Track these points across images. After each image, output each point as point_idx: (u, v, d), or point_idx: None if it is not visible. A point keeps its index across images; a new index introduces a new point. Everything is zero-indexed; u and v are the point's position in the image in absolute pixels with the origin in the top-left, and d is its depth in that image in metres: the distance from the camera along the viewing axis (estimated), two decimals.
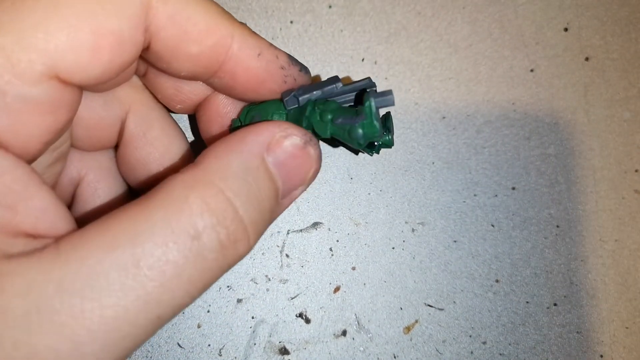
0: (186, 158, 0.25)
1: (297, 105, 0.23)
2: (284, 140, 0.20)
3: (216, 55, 0.20)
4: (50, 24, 0.16)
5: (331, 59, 0.31)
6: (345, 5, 0.31)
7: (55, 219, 0.18)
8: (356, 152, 0.31)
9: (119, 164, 0.26)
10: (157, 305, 0.16)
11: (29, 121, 0.17)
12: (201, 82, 0.23)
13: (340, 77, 0.31)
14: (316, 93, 0.22)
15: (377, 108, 0.21)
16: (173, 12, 0.19)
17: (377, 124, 0.21)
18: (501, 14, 0.32)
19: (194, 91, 0.24)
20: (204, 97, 0.25)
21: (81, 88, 0.19)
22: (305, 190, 0.22)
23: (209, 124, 0.25)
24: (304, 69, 0.23)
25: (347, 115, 0.22)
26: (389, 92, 0.22)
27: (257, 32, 0.27)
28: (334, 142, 0.29)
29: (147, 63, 0.23)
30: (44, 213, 0.17)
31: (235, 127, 0.24)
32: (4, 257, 0.16)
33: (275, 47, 0.22)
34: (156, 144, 0.24)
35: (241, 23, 0.21)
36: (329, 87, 0.23)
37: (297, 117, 0.23)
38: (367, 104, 0.21)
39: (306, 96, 0.22)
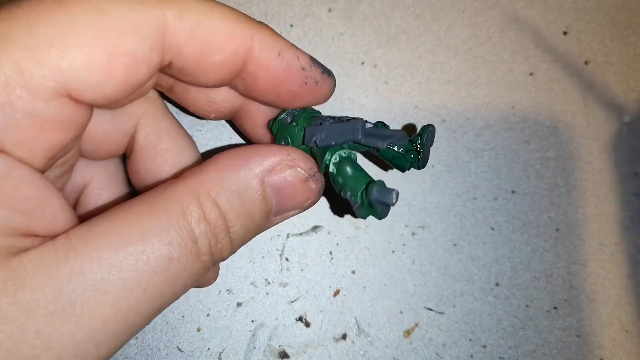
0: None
1: (315, 146, 0.23)
2: (286, 168, 0.21)
3: (239, 59, 0.21)
4: (64, 41, 0.17)
5: (331, 63, 0.31)
6: (345, 9, 0.31)
7: (66, 224, 0.19)
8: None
9: (129, 174, 0.26)
10: (160, 298, 0.18)
11: (37, 137, 0.17)
12: (232, 91, 0.24)
13: (340, 80, 0.31)
14: (336, 142, 0.22)
15: (375, 200, 0.21)
16: (192, 27, 0.19)
17: (375, 210, 0.21)
18: (500, 17, 0.32)
19: (226, 99, 0.24)
20: (239, 105, 0.25)
21: (92, 106, 0.19)
22: (300, 213, 0.24)
23: (252, 129, 0.26)
24: (326, 71, 0.23)
25: (354, 189, 0.21)
26: (390, 191, 0.20)
27: None
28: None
29: (171, 77, 0.23)
30: (56, 219, 0.18)
31: (270, 128, 0.24)
32: (19, 251, 0.17)
33: (297, 49, 0.22)
34: (166, 156, 0.24)
35: (260, 23, 0.21)
36: (348, 138, 0.22)
37: (321, 155, 0.23)
38: (370, 195, 0.21)
39: (325, 143, 0.23)
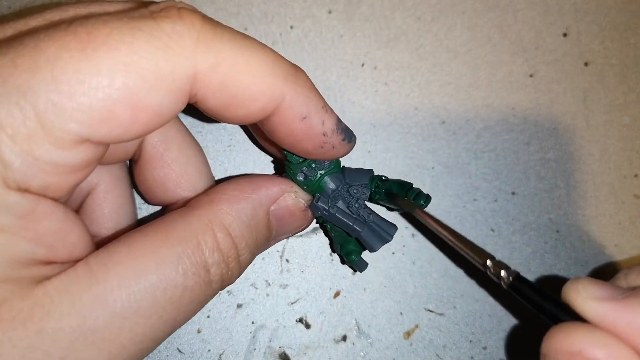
0: (204, 176, 0.26)
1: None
2: (289, 199, 0.24)
3: (264, 114, 0.21)
4: (88, 95, 0.16)
5: (331, 64, 0.31)
6: (345, 10, 0.32)
7: (85, 249, 0.19)
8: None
9: (135, 179, 0.26)
10: (172, 325, 0.19)
11: (61, 179, 0.18)
12: None
13: (340, 81, 0.31)
14: (339, 223, 0.25)
15: (351, 265, 0.27)
16: (223, 80, 0.19)
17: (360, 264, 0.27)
18: (500, 19, 0.32)
19: None
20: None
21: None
22: (289, 237, 0.27)
23: (265, 142, 0.28)
24: (348, 137, 0.23)
25: (337, 242, 0.27)
26: (363, 266, 0.27)
27: (257, 38, 0.27)
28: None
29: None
30: (76, 247, 0.19)
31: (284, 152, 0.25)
32: (41, 279, 0.17)
33: (327, 111, 0.22)
34: (173, 165, 0.25)
35: (297, 74, 0.21)
36: (347, 231, 0.25)
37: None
38: (349, 261, 0.26)
39: (327, 220, 0.25)
